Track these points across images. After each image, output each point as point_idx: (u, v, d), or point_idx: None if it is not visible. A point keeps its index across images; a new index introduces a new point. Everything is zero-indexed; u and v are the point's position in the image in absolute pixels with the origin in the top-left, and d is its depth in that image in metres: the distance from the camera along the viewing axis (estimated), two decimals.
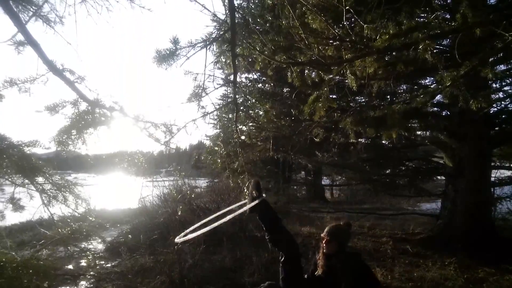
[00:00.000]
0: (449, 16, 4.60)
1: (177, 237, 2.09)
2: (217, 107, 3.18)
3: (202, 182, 11.85)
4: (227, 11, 2.12)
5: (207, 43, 2.16)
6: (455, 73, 2.47)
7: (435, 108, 5.73)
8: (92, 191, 7.13)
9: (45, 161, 2.65)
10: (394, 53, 3.18)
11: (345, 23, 2.70)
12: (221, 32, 2.34)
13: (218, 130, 11.08)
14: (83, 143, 1.97)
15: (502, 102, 5.36)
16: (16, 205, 2.61)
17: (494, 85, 5.17)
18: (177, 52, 2.04)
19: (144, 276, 3.70)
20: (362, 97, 5.82)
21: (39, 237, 4.95)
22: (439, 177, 7.21)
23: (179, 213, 5.12)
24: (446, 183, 5.68)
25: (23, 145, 2.27)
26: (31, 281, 2.32)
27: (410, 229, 5.98)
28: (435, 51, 2.48)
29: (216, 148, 2.66)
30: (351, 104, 5.32)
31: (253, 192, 2.17)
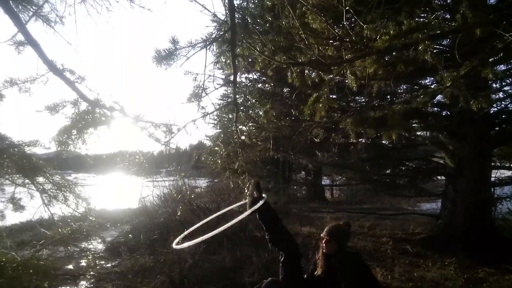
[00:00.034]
0: (449, 16, 4.61)
1: (175, 243, 2.00)
2: (217, 107, 3.18)
3: (202, 182, 11.85)
4: (227, 11, 2.12)
5: (207, 43, 2.16)
6: (455, 73, 2.47)
7: (435, 108, 5.74)
8: (92, 191, 7.15)
9: (45, 161, 2.65)
10: (394, 53, 3.19)
11: (345, 23, 2.70)
12: (221, 33, 2.34)
13: (218, 130, 11.08)
14: (83, 143, 1.98)
15: (502, 102, 5.37)
16: (17, 205, 2.62)
17: (494, 85, 5.17)
18: (177, 52, 2.04)
19: (144, 276, 3.70)
20: (362, 97, 5.83)
21: (39, 237, 4.96)
22: (439, 177, 7.21)
23: (179, 213, 5.12)
24: (446, 183, 5.68)
25: (23, 145, 2.28)
26: (31, 281, 2.33)
27: (410, 229, 5.98)
28: (435, 51, 2.49)
29: (216, 149, 2.66)
30: (351, 104, 5.33)
31: (253, 192, 2.17)
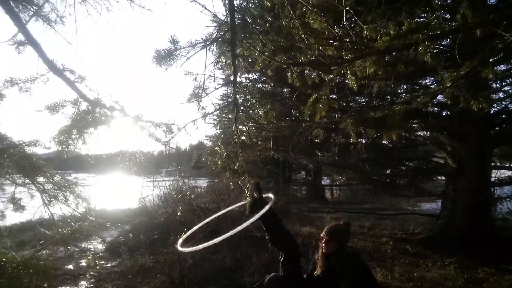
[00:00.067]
0: (449, 16, 4.61)
1: (179, 244, 2.04)
2: (217, 107, 3.18)
3: (202, 182, 11.85)
4: (227, 12, 2.12)
5: (207, 43, 2.15)
6: (455, 73, 2.47)
7: (436, 108, 5.74)
8: (92, 191, 7.14)
9: (45, 161, 2.65)
10: (394, 54, 3.19)
11: (345, 23, 2.70)
12: (221, 33, 2.34)
13: (218, 131, 11.07)
14: (84, 142, 1.97)
15: (502, 102, 5.38)
16: (17, 204, 2.62)
17: (494, 85, 5.17)
18: (177, 52, 2.04)
19: (144, 276, 3.70)
20: (362, 98, 5.83)
21: (39, 237, 4.95)
22: (439, 177, 7.22)
23: (179, 213, 5.13)
24: (446, 183, 5.68)
25: (24, 144, 2.28)
26: (31, 281, 2.33)
27: (410, 229, 5.98)
28: (435, 51, 2.48)
29: (217, 149, 2.65)
30: (352, 104, 5.33)
31: (253, 193, 2.17)
